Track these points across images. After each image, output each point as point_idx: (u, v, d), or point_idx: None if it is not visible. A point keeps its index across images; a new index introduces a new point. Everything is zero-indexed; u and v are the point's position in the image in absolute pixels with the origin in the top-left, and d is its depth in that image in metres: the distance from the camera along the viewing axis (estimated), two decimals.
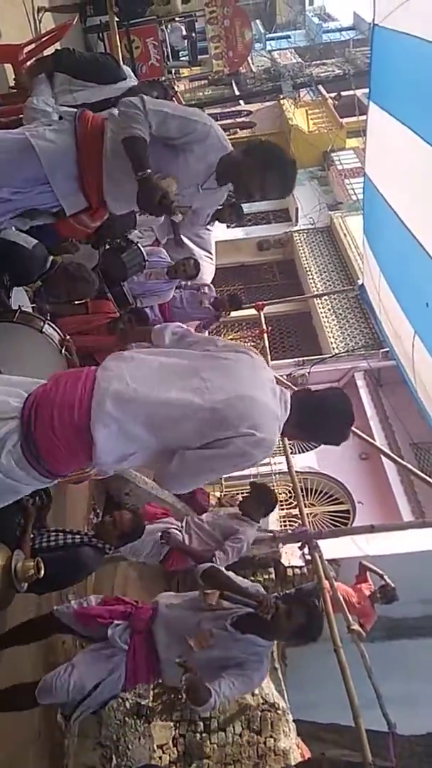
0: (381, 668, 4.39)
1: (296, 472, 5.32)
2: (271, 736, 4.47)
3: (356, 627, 4.44)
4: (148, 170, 2.15)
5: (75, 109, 2.37)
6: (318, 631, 2.85)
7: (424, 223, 3.40)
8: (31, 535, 2.53)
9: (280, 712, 4.62)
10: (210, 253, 5.67)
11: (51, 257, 3.05)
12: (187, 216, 2.56)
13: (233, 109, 16.97)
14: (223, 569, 3.09)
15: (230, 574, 3.09)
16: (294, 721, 4.87)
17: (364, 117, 4.47)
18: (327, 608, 3.79)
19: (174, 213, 2.29)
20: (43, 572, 2.31)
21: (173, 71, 10.38)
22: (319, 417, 1.91)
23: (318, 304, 10.73)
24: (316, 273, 11.78)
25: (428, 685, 6.70)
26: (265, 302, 6.92)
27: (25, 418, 1.63)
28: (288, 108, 15.45)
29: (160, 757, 4.33)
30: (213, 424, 1.69)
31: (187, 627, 2.87)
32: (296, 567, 6.14)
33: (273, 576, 6.06)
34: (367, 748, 2.88)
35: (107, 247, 3.97)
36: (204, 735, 4.38)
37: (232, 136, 16.66)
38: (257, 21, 24.92)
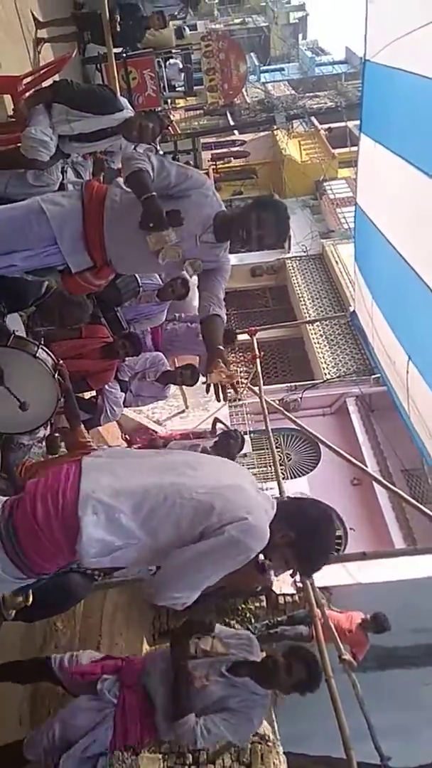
0: (374, 699, 4.33)
1: (287, 497, 5.30)
2: None
3: (347, 656, 4.38)
4: (153, 192, 2.29)
5: (82, 179, 2.62)
6: (317, 684, 2.82)
7: (417, 249, 3.45)
8: None
9: (270, 744, 4.51)
10: None
11: (46, 283, 3.08)
12: (198, 270, 2.65)
13: (228, 138, 17.32)
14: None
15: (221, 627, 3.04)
16: (284, 753, 4.76)
17: (355, 148, 4.57)
18: (318, 637, 3.74)
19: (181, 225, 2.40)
20: (31, 600, 2.28)
21: (169, 101, 10.59)
22: (302, 525, 1.81)
23: (310, 329, 10.83)
24: (308, 299, 11.92)
25: (422, 716, 6.61)
26: (257, 327, 6.98)
27: (7, 509, 1.58)
28: (281, 138, 15.80)
29: None
30: (207, 510, 1.62)
31: None
32: (288, 594, 6.08)
33: (264, 604, 6.00)
34: None
35: None
36: None
37: (227, 165, 16.98)
38: (252, 54, 25.59)
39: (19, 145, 3.26)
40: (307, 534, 1.80)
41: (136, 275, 4.16)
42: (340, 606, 5.91)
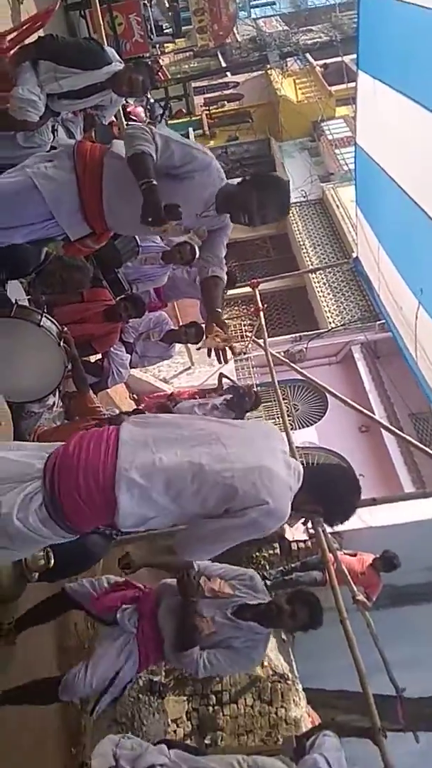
0: (387, 634, 4.49)
1: (297, 447, 5.39)
2: (282, 706, 4.60)
3: (361, 597, 4.53)
4: (153, 180, 2.21)
5: (72, 141, 2.46)
6: (320, 624, 3.03)
7: (423, 187, 3.38)
8: None
9: (289, 682, 4.75)
10: None
11: (45, 249, 3.06)
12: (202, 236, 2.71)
13: (220, 81, 16.69)
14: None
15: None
16: (303, 689, 5.01)
17: (353, 84, 4.41)
18: (332, 580, 3.87)
19: (178, 221, 2.36)
20: (52, 562, 2.36)
21: (158, 46, 10.16)
22: (329, 493, 1.95)
23: (313, 278, 10.70)
24: (310, 247, 11.72)
25: None
26: (260, 279, 6.91)
27: (48, 479, 1.67)
28: (275, 78, 15.20)
29: (175, 731, 4.47)
30: (231, 493, 1.73)
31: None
32: (300, 541, 6.25)
33: (278, 551, 6.17)
34: (376, 713, 2.96)
35: None
36: (216, 707, 4.51)
37: (220, 109, 16.43)
38: None
39: (7, 106, 3.16)
40: (334, 504, 1.97)
41: (135, 236, 4.11)
42: (352, 549, 6.07)
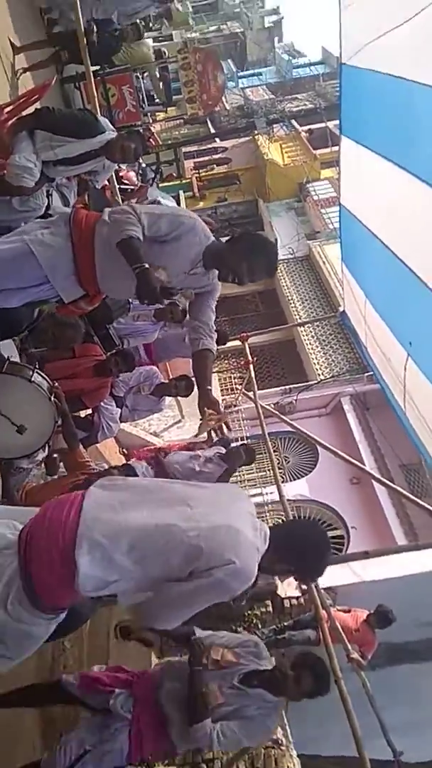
0: (384, 695, 4.37)
1: (288, 500, 5.36)
2: None
3: (356, 655, 4.43)
4: (144, 264, 2.32)
5: (68, 209, 2.58)
6: (327, 689, 2.90)
7: (405, 243, 3.51)
8: None
9: (283, 748, 4.54)
10: None
11: (38, 308, 3.13)
12: (189, 298, 2.79)
13: (209, 146, 17.45)
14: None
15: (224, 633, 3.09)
16: (298, 756, 4.79)
17: (336, 147, 4.63)
18: (325, 638, 3.79)
19: (175, 296, 2.57)
20: None
21: (149, 115, 10.67)
22: (296, 551, 1.94)
23: (302, 331, 10.92)
24: (298, 301, 12.01)
25: None
26: (249, 333, 7.03)
27: (22, 551, 1.64)
28: (262, 143, 15.94)
29: None
30: (197, 553, 1.71)
31: None
32: (293, 597, 6.12)
33: (270, 609, 6.03)
34: None
35: None
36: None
37: (210, 173, 17.10)
38: (228, 60, 25.73)
39: (4, 173, 3.31)
40: (303, 562, 1.95)
41: None
42: (346, 605, 5.95)
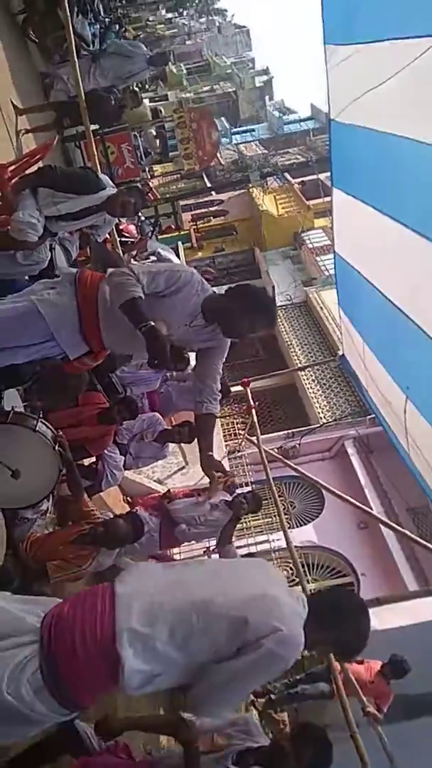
0: (403, 751, 4.17)
1: (295, 547, 5.26)
2: None
3: (371, 709, 4.27)
4: (150, 322, 2.35)
5: (74, 270, 2.65)
6: (329, 763, 2.74)
7: (399, 290, 3.58)
8: None
9: None
10: None
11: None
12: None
13: (206, 199, 18.00)
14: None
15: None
16: None
17: (328, 198, 4.78)
18: (340, 692, 3.66)
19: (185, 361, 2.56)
20: None
21: (147, 170, 11.06)
22: (335, 613, 1.84)
23: (302, 375, 10.98)
24: (297, 346, 12.12)
25: None
26: (250, 378, 7.07)
27: (45, 639, 1.56)
28: (257, 195, 16.44)
29: None
30: (241, 625, 1.63)
31: None
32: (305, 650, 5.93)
33: None
34: None
35: None
36: None
37: (207, 224, 17.57)
38: (222, 118, 26.86)
39: (8, 228, 3.41)
40: (344, 633, 1.83)
41: None
42: (359, 656, 5.76)
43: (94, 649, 1.54)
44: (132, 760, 2.81)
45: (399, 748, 4.05)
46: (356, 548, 8.40)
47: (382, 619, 5.90)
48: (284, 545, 5.20)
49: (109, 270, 2.61)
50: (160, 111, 10.02)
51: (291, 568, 7.09)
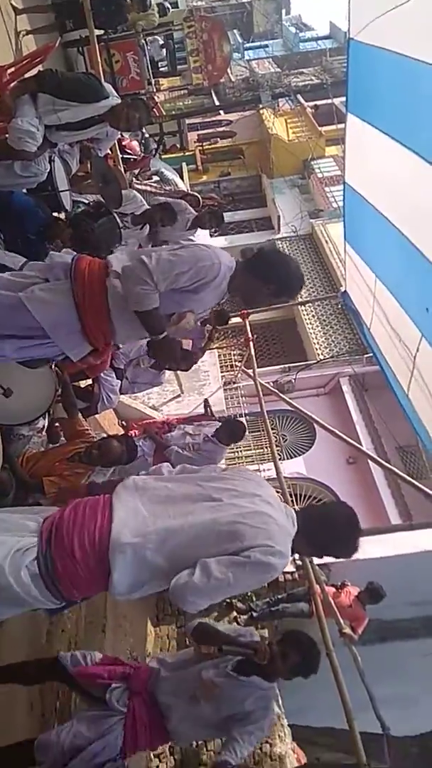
0: (374, 671, 4.43)
1: (285, 477, 5.38)
2: (266, 742, 4.49)
3: (347, 631, 4.50)
4: (164, 332, 2.28)
5: (67, 257, 2.31)
6: (316, 667, 2.89)
7: (414, 226, 3.48)
8: None
9: (275, 717, 4.64)
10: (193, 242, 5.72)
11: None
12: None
13: (213, 118, 17.15)
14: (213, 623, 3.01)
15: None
16: (289, 725, 4.90)
17: (342, 125, 4.55)
18: (318, 612, 3.84)
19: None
20: None
21: (153, 83, 10.47)
22: (325, 530, 1.95)
23: (302, 311, 10.86)
24: None
25: (421, 686, 6.77)
26: (249, 311, 6.99)
27: (44, 537, 1.69)
28: (267, 117, 15.66)
29: (158, 766, 4.34)
30: (229, 537, 1.71)
31: (189, 682, 2.85)
32: (287, 573, 6.19)
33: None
34: (362, 750, 2.90)
35: None
36: (200, 743, 4.40)
37: (213, 146, 16.84)
38: (234, 31, 25.17)
39: (5, 136, 3.24)
40: (333, 544, 1.97)
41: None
42: (339, 582, 6.01)
43: (91, 554, 1.66)
44: (129, 666, 2.98)
45: (370, 668, 4.31)
46: (344, 482, 8.61)
47: (363, 549, 6.09)
48: (274, 476, 5.31)
49: (123, 266, 2.27)
50: (167, 8, 9.23)
51: (279, 498, 7.27)
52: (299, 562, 5.11)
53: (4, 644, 2.86)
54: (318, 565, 4.72)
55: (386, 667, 6.20)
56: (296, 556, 4.82)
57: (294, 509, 1.97)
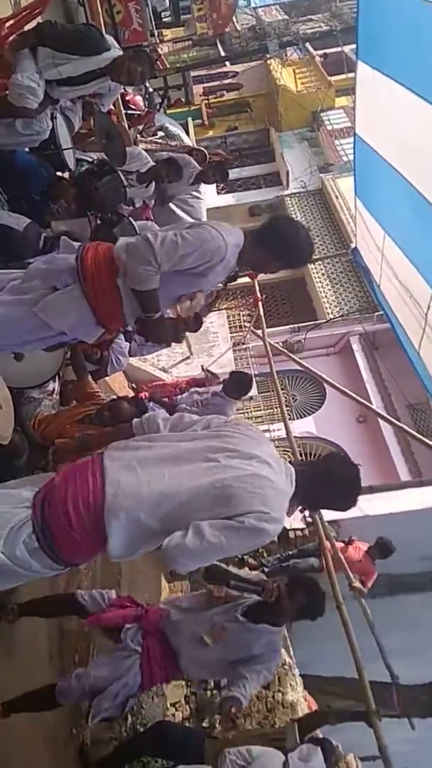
0: (383, 622, 4.55)
1: (295, 437, 5.42)
2: (279, 690, 4.66)
3: (357, 584, 4.60)
4: (159, 312, 2.30)
5: (70, 257, 2.26)
6: (321, 608, 2.96)
7: (426, 178, 3.39)
8: None
9: (286, 667, 4.80)
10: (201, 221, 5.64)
11: (43, 235, 3.06)
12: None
13: (219, 70, 16.59)
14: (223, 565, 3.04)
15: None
16: (300, 675, 5.07)
17: (352, 74, 4.38)
18: (329, 567, 3.92)
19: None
20: None
21: (156, 34, 10.10)
22: (324, 487, 1.93)
23: (312, 269, 10.70)
24: None
25: (428, 636, 6.95)
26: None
27: (38, 507, 1.67)
28: (275, 68, 15.10)
29: (174, 715, 4.53)
30: (224, 501, 1.69)
31: (199, 624, 2.98)
32: (298, 529, 6.30)
33: (276, 539, 6.22)
34: (371, 695, 3.01)
35: (99, 221, 3.95)
36: (215, 692, 4.57)
37: (219, 99, 16.34)
38: None
39: (6, 93, 3.16)
40: (332, 500, 1.99)
41: (134, 224, 4.10)
42: (349, 537, 6.11)
43: (86, 520, 1.66)
44: (141, 606, 3.13)
45: (379, 620, 4.42)
46: (354, 441, 8.65)
47: (373, 505, 6.20)
48: (284, 435, 5.34)
49: (127, 242, 2.25)
50: None
51: (289, 456, 7.34)
52: (309, 519, 5.18)
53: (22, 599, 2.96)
54: (328, 521, 4.80)
55: (395, 619, 6.36)
56: (306, 512, 4.92)
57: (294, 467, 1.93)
